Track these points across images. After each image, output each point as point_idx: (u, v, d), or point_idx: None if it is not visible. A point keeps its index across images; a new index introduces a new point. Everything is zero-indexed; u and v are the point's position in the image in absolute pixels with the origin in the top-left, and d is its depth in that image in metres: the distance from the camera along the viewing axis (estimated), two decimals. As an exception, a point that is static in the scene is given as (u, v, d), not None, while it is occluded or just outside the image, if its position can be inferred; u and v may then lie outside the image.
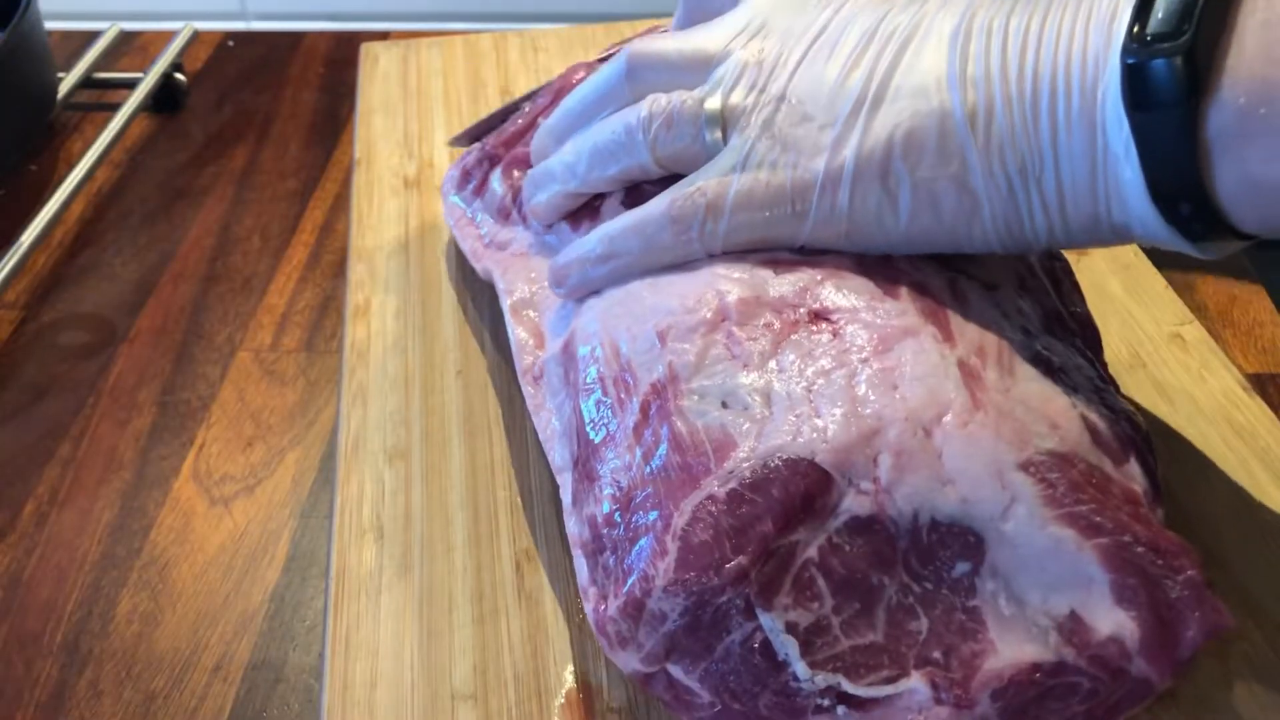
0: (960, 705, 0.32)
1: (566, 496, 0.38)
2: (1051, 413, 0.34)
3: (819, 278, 0.37)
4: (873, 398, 0.33)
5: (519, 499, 0.44)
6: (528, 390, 0.42)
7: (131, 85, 0.73)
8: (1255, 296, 0.56)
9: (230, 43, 0.84)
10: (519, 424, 0.47)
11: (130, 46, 0.83)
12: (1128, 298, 0.52)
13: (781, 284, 0.37)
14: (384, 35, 0.81)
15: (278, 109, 0.76)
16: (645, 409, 0.36)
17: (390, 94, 0.69)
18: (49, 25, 0.72)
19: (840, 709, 0.33)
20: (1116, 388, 0.38)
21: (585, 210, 0.44)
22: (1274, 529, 0.41)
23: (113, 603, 0.45)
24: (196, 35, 0.81)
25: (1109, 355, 0.42)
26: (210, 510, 0.48)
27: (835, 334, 0.35)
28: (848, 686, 0.32)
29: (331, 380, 0.54)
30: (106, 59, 0.79)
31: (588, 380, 0.38)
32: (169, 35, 0.79)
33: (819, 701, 0.33)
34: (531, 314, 0.44)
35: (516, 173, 0.49)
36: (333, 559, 0.43)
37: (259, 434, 0.51)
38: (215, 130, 0.74)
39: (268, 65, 0.81)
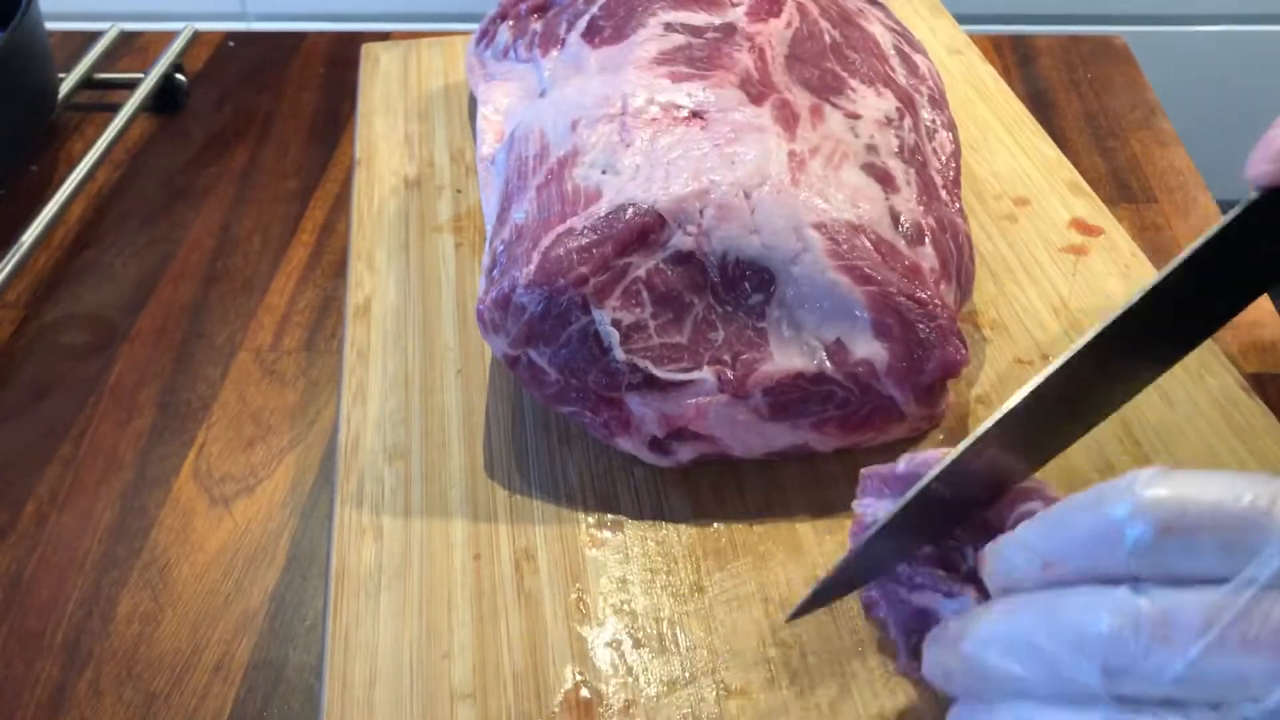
0: (737, 395, 0.42)
1: (489, 239, 0.48)
2: (859, 197, 0.44)
3: (704, 88, 0.47)
4: (711, 168, 0.43)
5: (519, 499, 0.44)
6: (482, 170, 0.54)
7: (132, 86, 0.73)
8: (1255, 296, 0.56)
9: (231, 43, 0.84)
10: (519, 424, 0.47)
11: (131, 47, 0.83)
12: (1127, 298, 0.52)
13: (676, 91, 0.47)
14: (384, 35, 0.81)
15: (278, 109, 0.76)
16: (549, 173, 0.46)
17: (391, 94, 0.69)
18: (49, 26, 0.72)
19: (647, 389, 0.42)
20: (964, 219, 0.49)
21: (552, 40, 0.56)
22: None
23: (113, 603, 0.45)
24: (197, 36, 0.81)
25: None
26: (210, 510, 0.48)
27: (704, 127, 0.45)
28: (654, 370, 0.42)
29: (331, 380, 0.54)
30: (107, 59, 0.79)
31: (518, 155, 0.49)
32: (169, 36, 0.79)
33: (631, 379, 0.42)
34: (498, 119, 0.56)
35: (533, 17, 0.60)
36: (332, 559, 0.43)
37: (259, 434, 0.51)
38: (216, 130, 0.74)
39: (268, 66, 0.81)
